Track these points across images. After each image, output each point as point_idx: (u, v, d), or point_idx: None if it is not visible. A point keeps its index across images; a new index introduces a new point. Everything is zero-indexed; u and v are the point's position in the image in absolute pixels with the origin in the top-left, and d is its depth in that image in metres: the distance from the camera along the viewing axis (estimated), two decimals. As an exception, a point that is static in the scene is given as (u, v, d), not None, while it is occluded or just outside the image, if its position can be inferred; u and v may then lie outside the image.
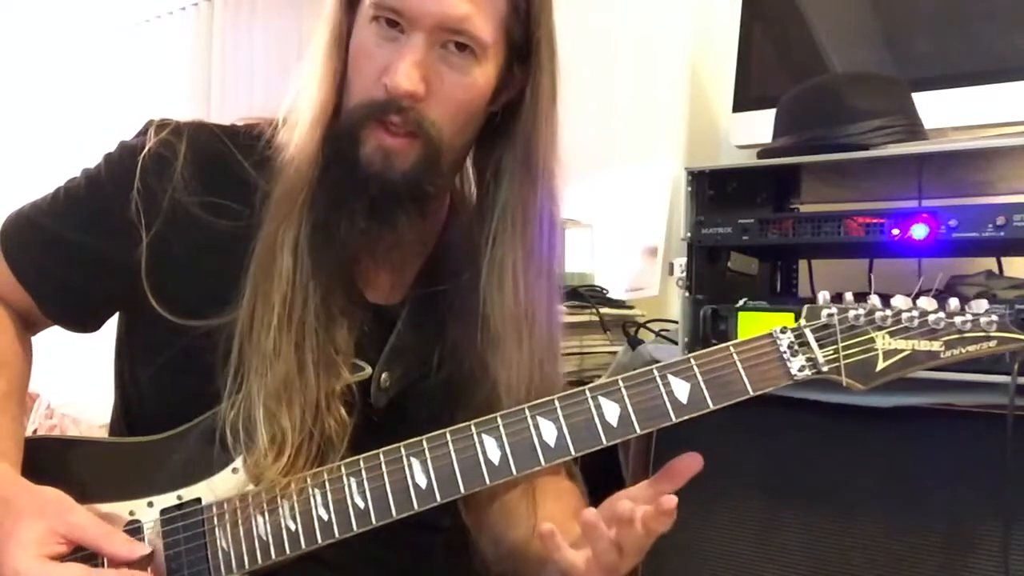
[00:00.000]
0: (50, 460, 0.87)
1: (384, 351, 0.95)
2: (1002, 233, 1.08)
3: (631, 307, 1.64)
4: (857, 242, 1.18)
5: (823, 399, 1.17)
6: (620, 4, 1.90)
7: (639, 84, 1.87)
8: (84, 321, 0.98)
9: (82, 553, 0.82)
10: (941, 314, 0.84)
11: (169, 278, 0.91)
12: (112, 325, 1.02)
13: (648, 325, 1.55)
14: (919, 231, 1.13)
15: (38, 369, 1.02)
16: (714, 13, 1.85)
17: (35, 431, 3.00)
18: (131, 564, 0.81)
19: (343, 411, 0.88)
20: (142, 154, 0.92)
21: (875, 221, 1.16)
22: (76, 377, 2.55)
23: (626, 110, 1.88)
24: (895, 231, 1.15)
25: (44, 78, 3.78)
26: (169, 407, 0.91)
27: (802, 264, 1.56)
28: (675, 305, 1.41)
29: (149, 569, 0.84)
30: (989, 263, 1.31)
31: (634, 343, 1.41)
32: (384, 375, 0.94)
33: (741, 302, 1.23)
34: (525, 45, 0.92)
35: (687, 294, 1.28)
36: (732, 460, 1.25)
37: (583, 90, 1.90)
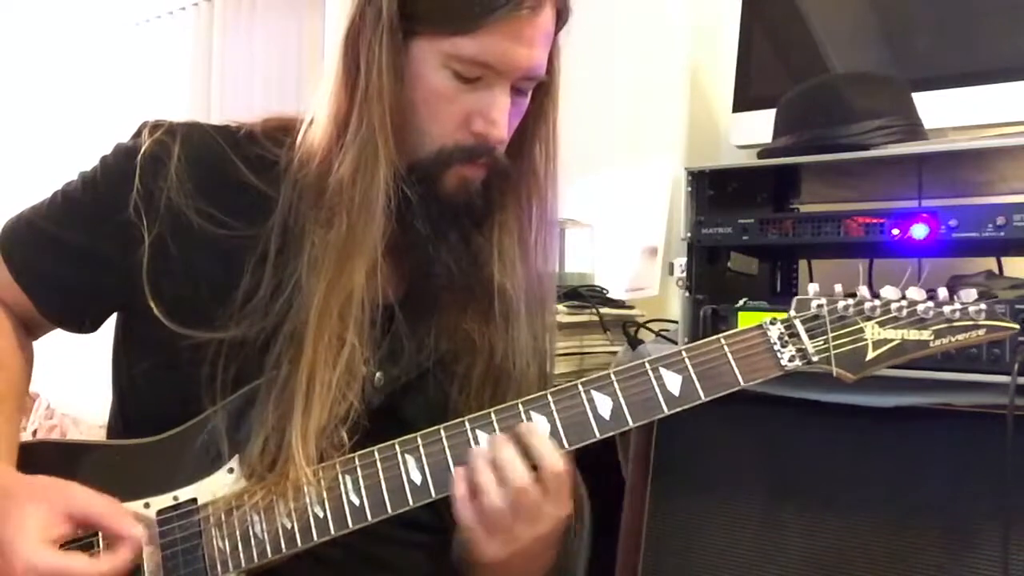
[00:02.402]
0: (46, 464, 0.87)
1: (381, 350, 0.94)
2: (1002, 233, 1.08)
3: (631, 307, 1.63)
4: (857, 242, 1.17)
5: (823, 399, 1.17)
6: (620, 4, 1.90)
7: (639, 84, 1.86)
8: (82, 321, 0.98)
9: (85, 540, 0.83)
10: (930, 303, 0.84)
11: (167, 280, 0.91)
12: (110, 325, 1.02)
13: (648, 325, 1.55)
14: (919, 231, 1.13)
15: (38, 369, 1.02)
16: (714, 13, 1.84)
17: (35, 431, 3.01)
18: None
19: (344, 435, 0.87)
20: (139, 156, 0.92)
21: (875, 221, 1.16)
22: (76, 377, 2.55)
23: (626, 110, 1.87)
24: (895, 231, 1.14)
25: (44, 78, 3.78)
26: (165, 406, 0.91)
27: (802, 264, 1.56)
28: (675, 305, 1.41)
29: (146, 569, 0.84)
30: (989, 263, 1.31)
31: (634, 343, 1.41)
32: (378, 375, 0.93)
33: (741, 302, 1.23)
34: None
35: (687, 294, 1.28)
36: (732, 460, 1.25)
37: (583, 90, 1.90)
